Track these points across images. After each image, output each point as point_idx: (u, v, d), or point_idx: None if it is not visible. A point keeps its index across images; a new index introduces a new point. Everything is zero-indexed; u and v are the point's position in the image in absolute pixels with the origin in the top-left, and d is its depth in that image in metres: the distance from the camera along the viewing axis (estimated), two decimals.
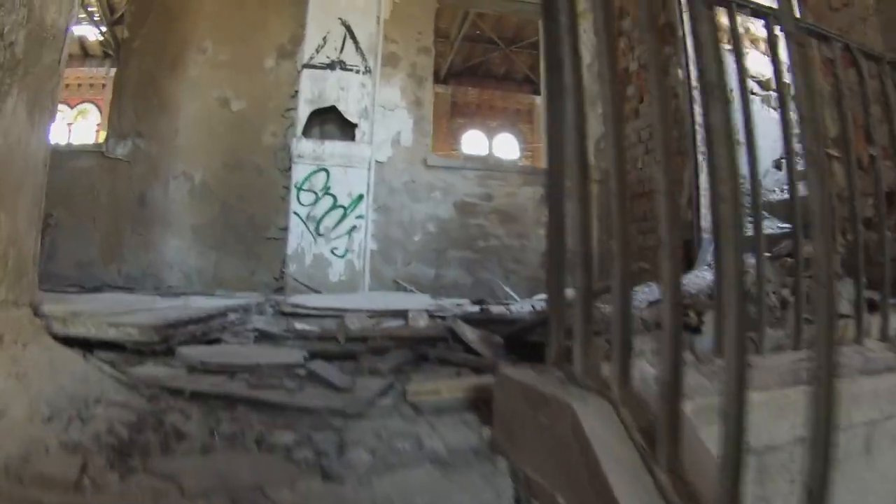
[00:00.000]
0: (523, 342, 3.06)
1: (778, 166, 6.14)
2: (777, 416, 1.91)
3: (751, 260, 3.81)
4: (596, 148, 7.69)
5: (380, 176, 6.84)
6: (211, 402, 2.14)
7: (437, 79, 18.70)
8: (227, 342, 3.26)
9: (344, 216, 6.31)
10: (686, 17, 5.69)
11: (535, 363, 2.00)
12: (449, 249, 6.99)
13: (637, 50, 6.75)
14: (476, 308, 4.59)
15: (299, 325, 3.47)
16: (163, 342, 2.80)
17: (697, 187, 5.60)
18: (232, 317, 3.79)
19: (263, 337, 3.42)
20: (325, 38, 6.57)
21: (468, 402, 2.23)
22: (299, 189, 6.28)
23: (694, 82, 5.72)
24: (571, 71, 1.90)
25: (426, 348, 2.92)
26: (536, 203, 7.23)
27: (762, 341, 2.11)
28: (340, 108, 6.45)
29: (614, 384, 1.57)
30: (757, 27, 6.28)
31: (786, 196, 5.62)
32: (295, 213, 6.23)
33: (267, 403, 2.09)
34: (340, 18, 6.62)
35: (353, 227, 6.31)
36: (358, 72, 6.59)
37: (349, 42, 6.63)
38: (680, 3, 5.75)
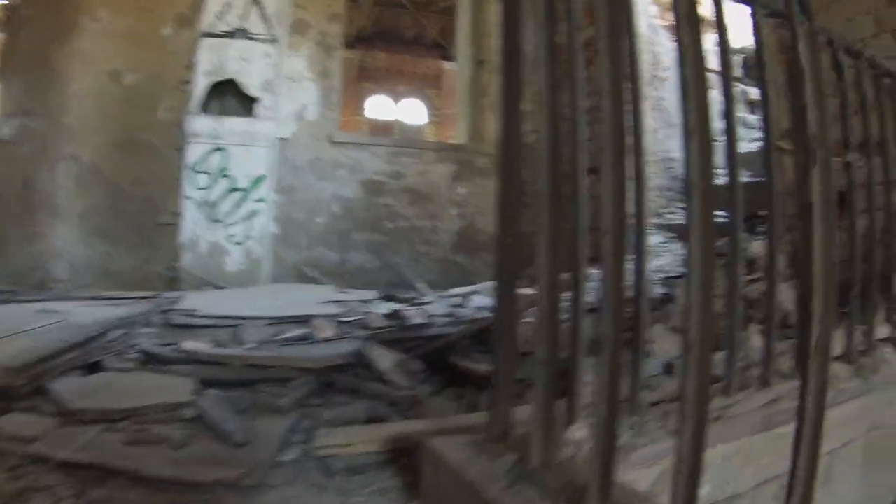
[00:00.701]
0: (446, 362, 2.90)
1: None
2: (743, 465, 1.83)
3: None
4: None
5: (283, 153, 6.51)
6: (81, 472, 1.89)
7: (347, 44, 18.29)
8: (109, 368, 2.96)
9: (243, 200, 5.98)
10: None
11: (468, 411, 1.82)
12: (354, 231, 6.75)
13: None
14: (385, 307, 4.39)
15: (190, 345, 3.18)
16: (32, 381, 2.50)
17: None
18: (115, 334, 3.48)
19: (150, 359, 3.13)
20: (228, 4, 6.13)
21: (388, 457, 2.04)
22: (194, 171, 5.90)
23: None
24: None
25: (334, 374, 2.71)
26: (449, 181, 7.05)
27: (731, 380, 1.97)
28: (242, 80, 6.07)
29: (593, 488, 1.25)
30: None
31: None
32: (188, 197, 5.86)
33: (145, 478, 1.85)
34: None
35: (253, 212, 6.00)
36: (262, 41, 6.20)
37: (254, 8, 6.21)
38: None
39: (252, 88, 6.09)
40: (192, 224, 5.87)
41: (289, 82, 6.64)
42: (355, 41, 17.52)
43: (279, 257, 6.43)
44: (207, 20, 6.09)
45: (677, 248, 5.14)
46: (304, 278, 6.46)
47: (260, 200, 6.01)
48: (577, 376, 1.52)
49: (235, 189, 5.96)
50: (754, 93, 6.46)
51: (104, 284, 6.21)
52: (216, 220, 5.91)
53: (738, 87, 6.49)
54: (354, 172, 6.75)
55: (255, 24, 6.18)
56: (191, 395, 2.50)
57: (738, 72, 6.51)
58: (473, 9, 8.10)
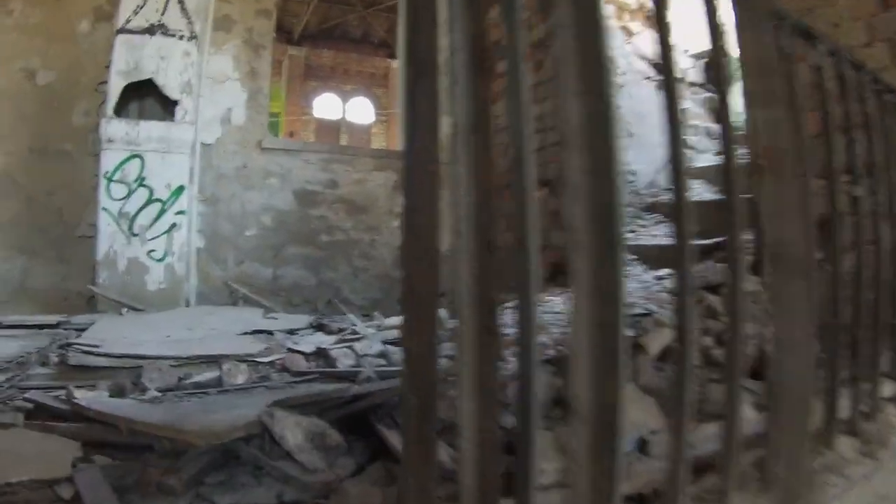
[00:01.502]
0: (372, 430, 2.59)
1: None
2: None
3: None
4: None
5: (207, 160, 6.14)
6: None
7: (291, 40, 18.10)
8: None
9: (162, 212, 5.61)
10: None
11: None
12: (288, 245, 6.40)
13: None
14: (312, 340, 4.06)
15: (81, 395, 2.83)
16: None
17: None
18: (2, 378, 3.12)
19: (38, 410, 2.78)
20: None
21: None
22: (109, 180, 5.51)
23: None
24: None
25: (238, 443, 2.39)
26: (389, 190, 6.74)
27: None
28: (159, 81, 5.70)
29: None
30: None
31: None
32: (104, 209, 5.48)
33: None
34: None
35: (174, 225, 5.63)
36: (182, 37, 5.82)
37: (174, 2, 5.82)
38: None
39: (171, 90, 5.72)
40: (108, 238, 5.48)
41: (212, 83, 6.26)
42: (301, 38, 17.28)
43: (205, 273, 6.06)
44: (124, 15, 5.68)
45: (641, 272, 4.92)
46: (233, 296, 6.10)
47: (180, 213, 5.64)
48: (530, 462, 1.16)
49: (154, 200, 5.58)
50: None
51: (21, 301, 5.79)
52: (134, 234, 5.52)
53: (702, 95, 6.32)
54: (286, 181, 6.41)
55: (174, 20, 5.80)
56: (71, 466, 2.18)
57: (699, 77, 6.34)
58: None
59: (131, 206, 5.51)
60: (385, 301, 6.58)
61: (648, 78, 5.81)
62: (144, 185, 5.54)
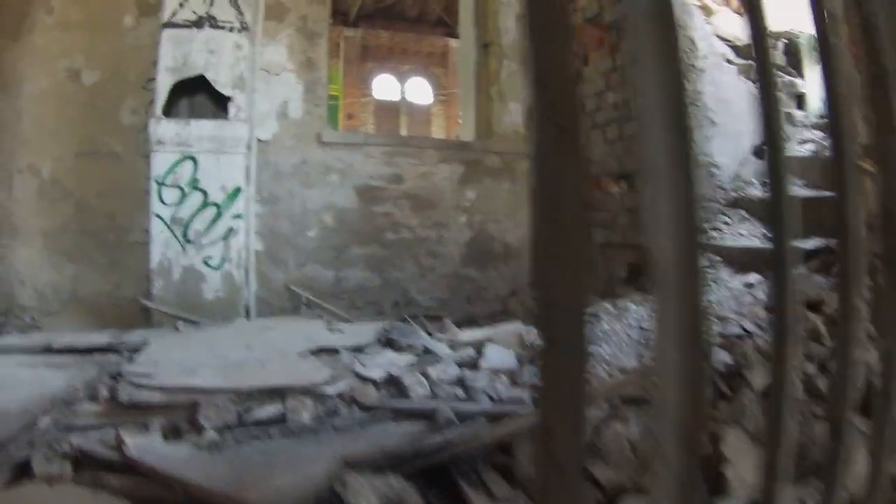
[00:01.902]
0: (453, 485, 2.22)
1: (759, 153, 5.39)
2: None
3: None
4: (527, 113, 6.78)
5: (263, 158, 5.83)
6: None
7: (347, 22, 17.88)
8: (35, 474, 2.36)
9: (218, 216, 5.31)
10: None
11: None
12: (351, 245, 6.07)
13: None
14: (382, 360, 3.70)
15: (131, 442, 2.53)
16: None
17: None
18: (46, 422, 2.85)
19: (85, 459, 2.50)
20: None
21: None
22: (161, 184, 5.24)
23: None
24: None
25: None
26: (456, 184, 6.35)
27: None
28: (210, 76, 5.38)
29: None
30: None
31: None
32: (157, 215, 5.21)
33: None
34: None
35: (230, 231, 5.33)
36: (232, 29, 5.49)
37: None
38: None
39: (222, 86, 5.40)
40: (162, 246, 5.21)
41: (266, 76, 5.94)
42: (356, 19, 17.02)
43: (265, 277, 5.78)
44: (170, 7, 5.38)
45: (727, 277, 4.42)
46: (295, 301, 5.81)
47: (237, 217, 5.34)
48: None
49: (209, 204, 5.28)
50: (800, 84, 5.75)
51: (73, 312, 5.67)
52: (189, 241, 5.24)
53: (782, 78, 5.74)
54: (347, 177, 6.06)
55: (223, 11, 5.46)
56: None
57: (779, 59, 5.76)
58: None
59: (185, 211, 5.23)
60: (453, 301, 6.24)
61: (730, 61, 5.26)
62: (198, 189, 5.25)
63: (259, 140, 5.76)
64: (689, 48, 4.94)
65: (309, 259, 5.95)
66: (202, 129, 5.31)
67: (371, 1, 16.55)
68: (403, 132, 25.14)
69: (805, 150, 5.32)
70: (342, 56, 19.24)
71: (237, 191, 5.35)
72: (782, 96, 5.51)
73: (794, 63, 5.66)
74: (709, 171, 5.07)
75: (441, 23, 20.98)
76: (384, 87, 22.19)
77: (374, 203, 6.13)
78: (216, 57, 5.45)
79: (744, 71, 5.27)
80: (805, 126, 5.63)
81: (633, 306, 4.26)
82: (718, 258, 4.72)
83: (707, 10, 5.18)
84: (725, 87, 5.09)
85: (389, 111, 23.29)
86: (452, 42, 22.92)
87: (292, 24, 6.08)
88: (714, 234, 4.97)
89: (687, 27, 4.97)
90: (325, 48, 6.27)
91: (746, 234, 4.88)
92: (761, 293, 3.82)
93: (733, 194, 5.15)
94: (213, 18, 5.46)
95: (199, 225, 5.25)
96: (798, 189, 5.11)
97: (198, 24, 5.42)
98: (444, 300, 6.22)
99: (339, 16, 16.47)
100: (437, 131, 25.57)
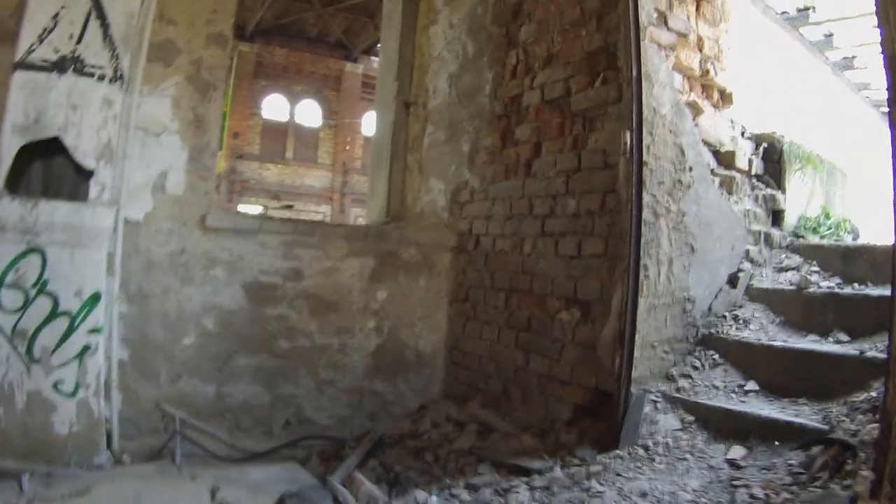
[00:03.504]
0: None
1: (732, 282, 4.82)
2: None
3: None
4: (452, 199, 6.07)
5: (132, 243, 4.83)
6: None
7: (243, 36, 16.98)
8: None
9: (71, 330, 4.30)
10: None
11: None
12: (237, 355, 5.14)
13: (542, 75, 5.11)
14: None
15: None
16: None
17: (634, 311, 4.03)
18: None
19: None
20: (56, 18, 4.36)
21: None
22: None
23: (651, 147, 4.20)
24: None
25: None
26: (366, 281, 5.52)
27: None
28: (69, 141, 4.38)
29: None
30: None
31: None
32: None
33: None
34: None
35: (86, 349, 4.34)
36: (102, 77, 4.50)
37: (94, 24, 4.46)
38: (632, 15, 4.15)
39: (84, 154, 4.40)
40: (1, 365, 4.13)
41: (143, 137, 4.92)
42: (253, 33, 16.18)
43: (131, 392, 4.79)
44: (26, 41, 4.33)
45: (703, 446, 3.78)
46: (167, 423, 4.84)
47: (95, 331, 4.34)
48: None
49: (60, 313, 4.25)
50: (780, 198, 5.27)
51: None
52: (35, 360, 4.19)
53: (762, 191, 5.26)
54: (236, 272, 5.13)
55: (93, 51, 4.46)
56: None
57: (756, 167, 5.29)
58: (404, 29, 6.54)
59: (30, 321, 4.16)
60: (355, 418, 5.47)
61: (713, 171, 4.70)
62: (47, 293, 4.21)
63: (128, 221, 4.76)
64: (678, 160, 4.33)
65: (185, 371, 4.98)
66: (54, 213, 4.27)
67: (270, 16, 15.80)
68: (289, 154, 24.24)
69: (785, 280, 4.81)
70: (234, 71, 18.13)
71: (96, 297, 4.35)
72: (759, 212, 5.00)
73: (774, 171, 5.16)
74: (683, 307, 4.48)
75: (339, 45, 20.58)
76: (273, 106, 21.43)
77: (267, 304, 5.22)
78: (79, 114, 4.41)
79: (725, 183, 4.73)
80: (785, 248, 5.13)
81: (596, 485, 3.55)
82: (691, 419, 4.07)
83: (696, 109, 4.58)
84: (708, 205, 4.54)
85: (277, 132, 22.52)
86: (349, 66, 22.50)
87: (182, 71, 5.07)
88: (684, 383, 4.35)
89: (678, 132, 4.36)
90: (219, 105, 5.27)
91: (722, 387, 4.24)
92: (755, 481, 3.21)
93: (704, 331, 4.56)
94: (80, 61, 4.43)
95: (47, 340, 4.21)
96: (777, 328, 4.55)
97: (60, 66, 4.38)
98: (344, 418, 5.39)
99: (236, 29, 15.49)
100: (324, 156, 24.78)
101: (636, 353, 4.05)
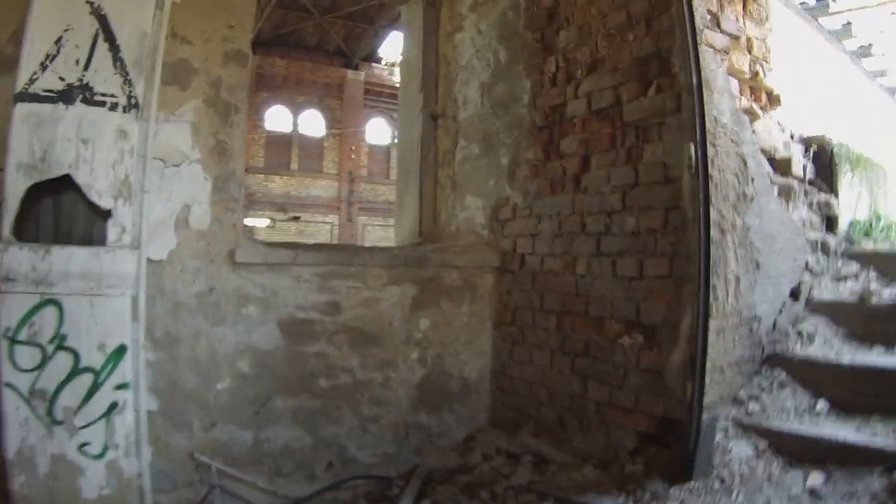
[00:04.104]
0: None
1: (794, 295, 4.41)
2: None
3: None
4: (493, 217, 5.60)
5: (156, 285, 4.36)
6: None
7: None
8: None
9: (96, 387, 3.85)
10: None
11: None
12: (275, 397, 4.68)
13: (586, 83, 4.64)
14: None
15: None
16: None
17: (705, 335, 3.60)
18: None
19: None
20: (59, 42, 3.87)
21: None
22: (12, 340, 3.70)
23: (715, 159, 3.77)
24: None
25: None
26: (407, 310, 5.06)
27: None
28: (81, 180, 3.91)
29: None
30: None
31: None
32: (8, 384, 3.67)
33: None
34: (89, 3, 3.93)
35: (114, 406, 3.88)
36: (115, 106, 4.04)
37: (102, 47, 3.98)
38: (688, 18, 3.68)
39: (98, 193, 3.94)
40: (19, 428, 3.69)
41: (161, 168, 4.45)
42: (252, 46, 15.90)
43: (162, 444, 4.34)
44: (28, 69, 3.86)
45: (778, 473, 3.45)
46: (202, 474, 4.40)
47: (122, 387, 3.88)
48: None
49: (82, 369, 3.80)
50: (834, 203, 4.88)
51: None
52: (57, 422, 3.74)
53: (813, 196, 4.86)
54: (270, 309, 4.67)
55: (103, 77, 3.98)
56: None
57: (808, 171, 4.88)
58: (426, 37, 6.06)
59: (49, 380, 3.71)
60: (400, 454, 5.02)
61: (771, 181, 4.27)
62: (66, 348, 3.76)
63: (150, 260, 4.29)
64: (741, 171, 3.89)
65: (220, 418, 4.52)
66: (70, 260, 3.82)
67: (269, 27, 15.44)
68: (294, 165, 23.83)
69: (845, 290, 4.41)
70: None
71: (121, 350, 3.89)
72: (814, 219, 4.58)
73: (825, 175, 4.75)
74: (749, 326, 4.05)
75: (340, 53, 20.23)
76: (276, 118, 21.06)
77: (304, 341, 4.75)
78: (91, 149, 3.95)
79: (783, 192, 4.31)
80: (840, 255, 4.73)
81: None
82: (764, 445, 3.66)
83: (752, 115, 4.17)
84: (770, 217, 4.13)
85: (281, 143, 22.16)
86: (350, 73, 22.10)
87: (200, 93, 4.57)
88: (753, 406, 3.95)
89: (739, 141, 3.93)
90: (242, 128, 4.77)
91: (792, 409, 3.88)
92: None
93: (769, 349, 4.17)
94: (89, 89, 3.95)
95: (69, 400, 3.75)
96: (840, 348, 4.18)
97: (66, 96, 3.90)
98: (389, 455, 4.94)
99: None
100: (329, 165, 24.36)
101: (706, 379, 3.67)
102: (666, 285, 3.96)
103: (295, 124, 22.20)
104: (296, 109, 22.03)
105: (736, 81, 4.13)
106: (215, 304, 4.54)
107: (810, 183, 4.70)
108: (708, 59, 3.82)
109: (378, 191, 25.46)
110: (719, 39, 4.06)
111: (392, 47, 22.03)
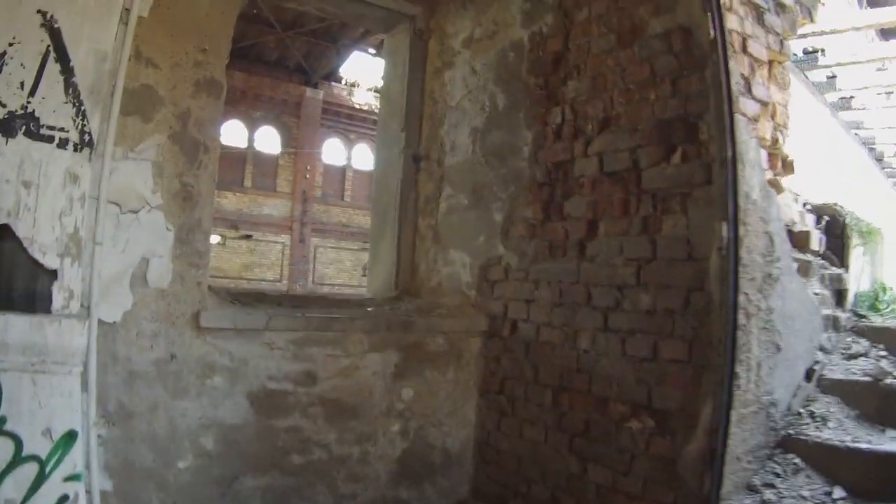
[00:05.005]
0: None
1: (809, 376, 4.07)
2: None
3: None
4: (481, 276, 5.07)
5: (109, 351, 3.74)
6: None
7: None
8: None
9: (42, 477, 3.22)
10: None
11: None
12: (243, 476, 4.09)
13: (598, 141, 4.19)
14: None
15: None
16: None
17: (726, 426, 3.28)
18: None
19: None
20: (0, 59, 3.21)
21: None
22: None
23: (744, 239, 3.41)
24: None
25: None
26: (389, 380, 4.53)
27: None
28: (22, 232, 3.25)
29: None
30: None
31: None
32: None
33: None
34: (41, 13, 3.22)
35: (64, 499, 3.27)
36: (65, 143, 3.39)
37: (53, 69, 3.32)
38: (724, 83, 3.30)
39: (43, 250, 3.29)
40: None
41: (117, 213, 3.83)
42: None
43: None
44: None
45: None
46: None
47: (73, 478, 3.27)
48: None
49: (25, 458, 3.17)
50: (845, 277, 4.58)
51: None
52: None
53: (826, 270, 4.53)
54: (239, 380, 4.08)
55: (51, 105, 3.32)
56: None
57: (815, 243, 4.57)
58: (412, 71, 5.54)
59: None
60: None
61: (794, 258, 3.92)
62: (5, 433, 3.12)
63: (102, 322, 3.67)
64: (767, 251, 3.53)
65: (181, 499, 3.90)
66: (6, 329, 3.16)
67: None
68: (248, 182, 23.05)
69: (856, 368, 4.09)
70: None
71: (71, 436, 3.28)
72: (826, 294, 4.23)
73: (837, 248, 4.42)
74: (767, 412, 3.68)
75: (300, 70, 19.67)
76: (232, 132, 20.35)
77: (276, 415, 4.17)
78: (35, 195, 3.27)
79: (802, 269, 3.94)
80: (847, 331, 4.39)
81: None
82: None
83: (777, 188, 3.80)
84: (791, 297, 3.79)
85: (235, 159, 21.41)
86: (309, 91, 21.50)
87: (165, 127, 3.95)
88: (769, 495, 3.58)
89: (767, 219, 3.56)
90: (211, 171, 4.14)
91: (809, 497, 3.51)
92: None
93: (783, 433, 3.80)
94: (35, 119, 3.27)
95: (11, 491, 3.10)
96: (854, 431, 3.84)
97: (6, 127, 3.18)
98: None
99: None
100: (283, 184, 23.65)
101: (729, 464, 3.39)
102: (683, 370, 3.58)
103: (251, 140, 21.48)
104: (252, 125, 21.35)
105: (765, 153, 3.73)
106: (176, 374, 3.93)
107: (822, 256, 4.36)
108: (741, 128, 3.45)
109: (332, 212, 24.83)
110: (751, 106, 3.67)
111: (353, 67, 21.65)
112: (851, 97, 8.40)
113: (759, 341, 3.51)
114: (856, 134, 9.32)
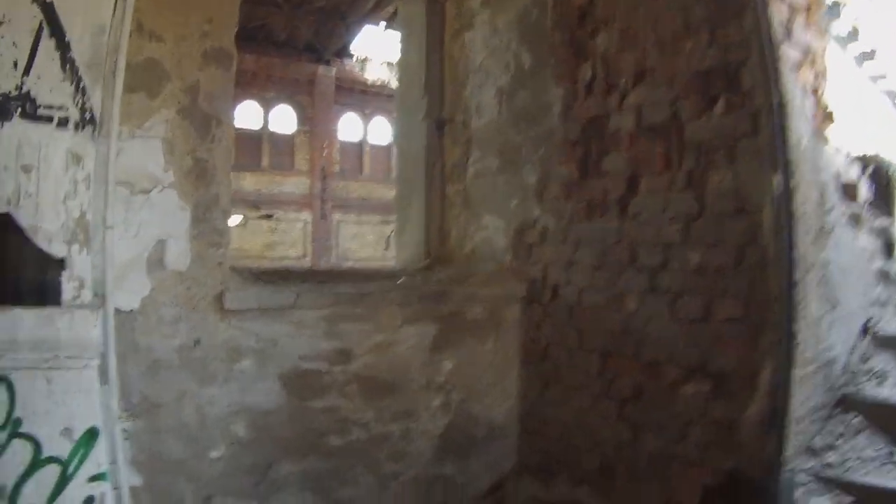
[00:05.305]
0: None
1: (865, 330, 3.80)
2: None
3: None
4: (517, 240, 4.81)
5: (128, 340, 3.46)
6: None
7: None
8: None
9: (65, 479, 2.99)
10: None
11: None
12: (279, 462, 3.86)
13: (634, 94, 3.89)
14: None
15: None
16: None
17: (787, 386, 3.15)
18: None
19: None
20: None
21: None
22: None
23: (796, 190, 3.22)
24: None
25: None
26: (426, 353, 4.27)
27: None
28: (25, 221, 2.98)
29: None
30: None
31: None
32: None
33: None
34: None
35: (90, 501, 3.03)
36: (65, 122, 3.10)
37: (48, 45, 3.02)
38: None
39: (47, 237, 3.04)
40: None
41: (127, 195, 3.53)
42: None
43: None
44: None
45: None
46: None
47: (98, 478, 3.04)
48: None
49: (44, 460, 2.95)
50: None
51: None
52: None
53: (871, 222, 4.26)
54: (269, 361, 3.82)
55: (48, 83, 3.03)
56: None
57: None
58: (430, 36, 5.22)
59: (5, 474, 2.84)
60: None
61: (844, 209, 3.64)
62: (21, 435, 2.89)
63: (119, 310, 3.41)
64: (819, 202, 3.30)
65: (216, 490, 3.68)
66: (16, 326, 2.92)
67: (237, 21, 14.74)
68: (265, 162, 22.88)
69: None
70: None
71: (92, 434, 3.05)
72: (876, 247, 3.93)
73: (884, 196, 4.14)
74: (826, 372, 3.45)
75: (310, 48, 19.49)
76: (246, 114, 20.21)
77: (311, 396, 3.92)
78: (35, 179, 3.01)
79: (854, 220, 3.67)
80: None
81: None
82: (848, 501, 3.19)
83: (823, 138, 3.51)
84: (845, 249, 3.61)
85: (251, 140, 21.27)
86: (321, 69, 21.27)
87: (173, 102, 3.62)
88: (831, 457, 3.36)
89: (817, 169, 3.29)
90: (227, 144, 3.82)
91: (871, 458, 3.37)
92: None
93: (841, 391, 3.61)
94: (31, 100, 2.99)
95: (33, 496, 2.89)
96: None
97: (0, 110, 2.96)
98: None
99: None
100: (301, 162, 23.45)
101: (790, 426, 3.25)
102: (739, 330, 3.38)
103: (266, 120, 21.41)
104: (266, 105, 21.28)
105: (812, 100, 3.44)
106: (202, 360, 3.68)
107: (869, 206, 4.08)
108: (786, 75, 3.27)
109: (351, 188, 24.64)
110: (793, 53, 3.42)
111: (364, 43, 21.33)
112: (874, 50, 8.07)
113: (816, 297, 3.33)
114: (880, 87, 9.01)
